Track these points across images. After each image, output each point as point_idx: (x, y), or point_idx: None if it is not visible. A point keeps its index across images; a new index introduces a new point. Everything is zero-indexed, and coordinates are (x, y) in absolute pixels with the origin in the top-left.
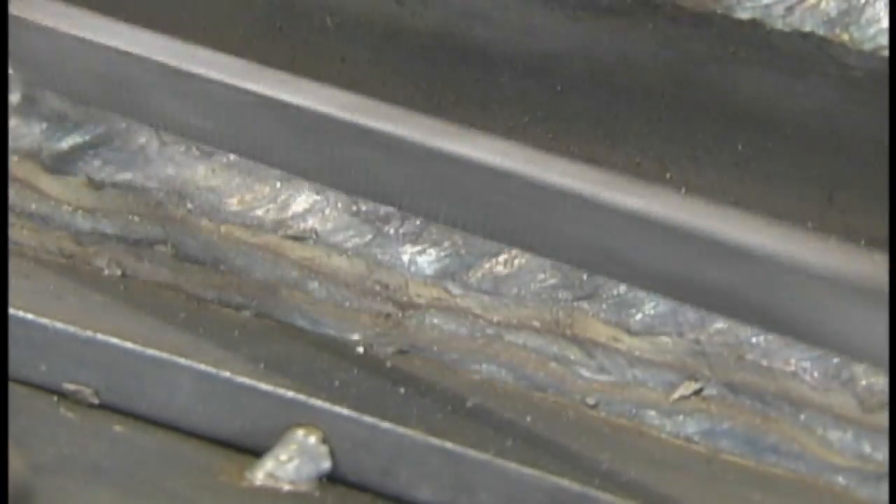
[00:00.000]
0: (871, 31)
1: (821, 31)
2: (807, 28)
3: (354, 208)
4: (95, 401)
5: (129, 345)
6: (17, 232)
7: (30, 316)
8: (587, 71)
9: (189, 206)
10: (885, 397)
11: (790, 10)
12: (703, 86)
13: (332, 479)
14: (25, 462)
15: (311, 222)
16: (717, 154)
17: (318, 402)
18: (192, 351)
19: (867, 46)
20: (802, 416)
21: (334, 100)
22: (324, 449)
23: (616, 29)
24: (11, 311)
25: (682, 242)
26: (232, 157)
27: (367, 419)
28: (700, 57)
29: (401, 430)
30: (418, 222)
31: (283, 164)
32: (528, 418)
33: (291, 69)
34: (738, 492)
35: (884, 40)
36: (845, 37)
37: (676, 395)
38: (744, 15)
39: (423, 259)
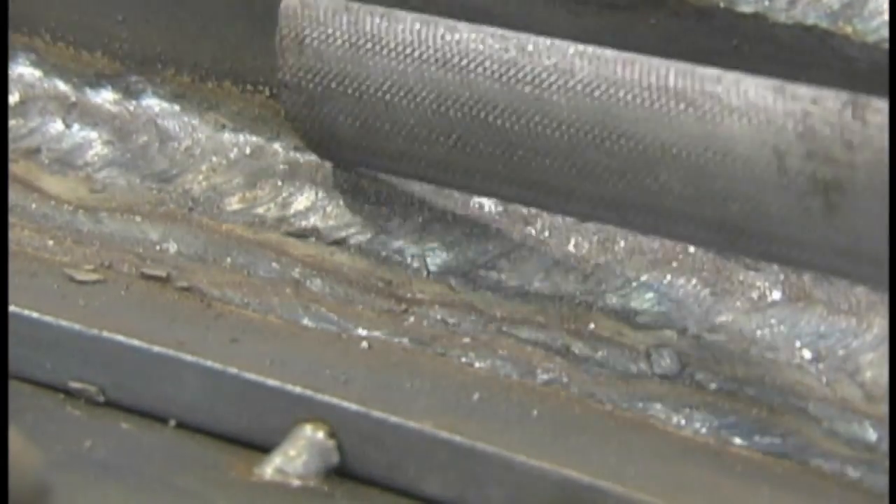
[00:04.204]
0: (874, 23)
1: (824, 24)
2: (809, 21)
3: (356, 205)
4: (101, 399)
5: (134, 342)
6: (18, 232)
7: (34, 314)
8: None
9: (190, 204)
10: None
11: (793, 3)
12: None
13: (340, 473)
14: (42, 458)
15: (313, 220)
16: None
17: (326, 398)
18: (198, 348)
19: (870, 38)
20: (808, 408)
21: None
22: (332, 444)
23: (619, 24)
24: (16, 309)
25: None
26: (232, 155)
27: (375, 414)
28: (703, 51)
29: (408, 424)
30: (420, 219)
31: None
32: (535, 412)
33: None
34: (746, 484)
35: (886, 32)
36: (848, 29)
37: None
38: (746, 8)
39: (426, 255)
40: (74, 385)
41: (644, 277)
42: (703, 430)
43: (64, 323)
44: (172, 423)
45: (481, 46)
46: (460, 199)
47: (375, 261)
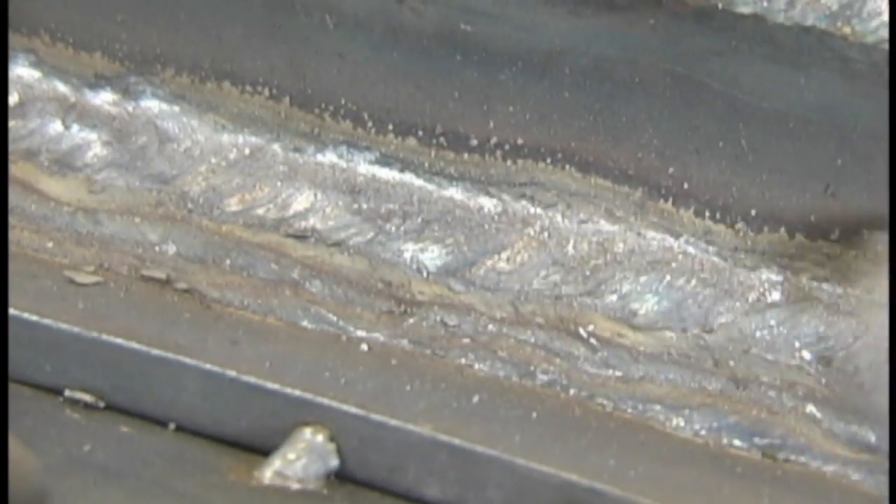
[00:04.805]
0: (873, 23)
1: (822, 25)
2: (808, 22)
3: (356, 206)
4: (101, 404)
5: (134, 345)
6: (18, 233)
7: (34, 317)
8: (588, 67)
9: (189, 205)
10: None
11: (791, 4)
12: (705, 80)
13: (340, 476)
14: (40, 464)
15: (312, 221)
16: (718, 148)
17: (325, 401)
18: (198, 350)
19: (869, 39)
20: (808, 409)
21: None
22: (331, 447)
23: (617, 25)
24: (15, 312)
25: None
26: (232, 156)
27: (375, 417)
28: (702, 52)
29: (408, 427)
30: (420, 220)
31: None
32: (535, 414)
33: (291, 67)
34: (746, 486)
35: (885, 33)
36: (847, 30)
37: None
38: (745, 9)
39: (426, 256)
40: (72, 394)
41: (644, 278)
42: (703, 432)
43: (63, 325)
44: (172, 426)
45: None
46: (460, 199)
47: (375, 262)
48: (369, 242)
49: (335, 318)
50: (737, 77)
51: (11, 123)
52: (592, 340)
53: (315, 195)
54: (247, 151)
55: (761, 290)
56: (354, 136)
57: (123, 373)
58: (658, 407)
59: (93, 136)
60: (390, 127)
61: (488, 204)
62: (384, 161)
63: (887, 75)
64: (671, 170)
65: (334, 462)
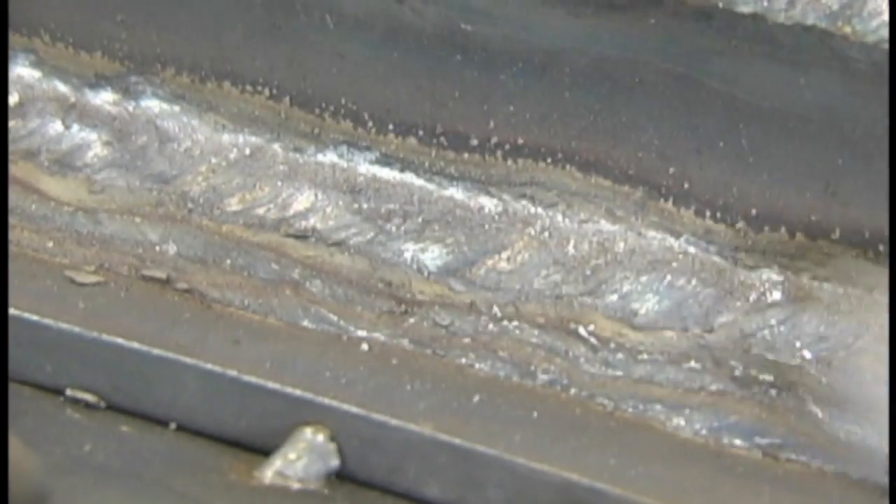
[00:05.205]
0: (874, 23)
1: (823, 25)
2: (809, 21)
3: (356, 206)
4: (102, 404)
5: (134, 345)
6: (18, 233)
7: (34, 317)
8: (588, 67)
9: (190, 205)
10: None
11: (792, 3)
12: (705, 80)
13: (340, 476)
14: (40, 463)
15: (313, 220)
16: (719, 148)
17: (326, 400)
18: (198, 350)
19: (869, 39)
20: (809, 409)
21: None
22: (332, 447)
23: (618, 24)
24: (15, 312)
25: None
26: (232, 156)
27: (375, 416)
28: (702, 51)
29: (409, 426)
30: (420, 220)
31: None
32: (535, 414)
33: (291, 67)
34: (747, 485)
35: (886, 33)
36: (847, 30)
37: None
38: (745, 9)
39: (426, 256)
40: (73, 394)
41: (644, 278)
42: (703, 431)
43: (63, 325)
44: (172, 426)
45: None
46: (460, 199)
47: (375, 262)
48: (369, 242)
49: (335, 318)
50: (737, 77)
51: (11, 123)
52: (593, 340)
53: (315, 195)
54: (247, 151)
55: (762, 289)
56: (354, 136)
57: (124, 373)
58: (658, 407)
59: (93, 136)
60: (390, 127)
61: (489, 204)
62: (384, 161)
63: (887, 75)
64: (671, 170)
65: (335, 462)
